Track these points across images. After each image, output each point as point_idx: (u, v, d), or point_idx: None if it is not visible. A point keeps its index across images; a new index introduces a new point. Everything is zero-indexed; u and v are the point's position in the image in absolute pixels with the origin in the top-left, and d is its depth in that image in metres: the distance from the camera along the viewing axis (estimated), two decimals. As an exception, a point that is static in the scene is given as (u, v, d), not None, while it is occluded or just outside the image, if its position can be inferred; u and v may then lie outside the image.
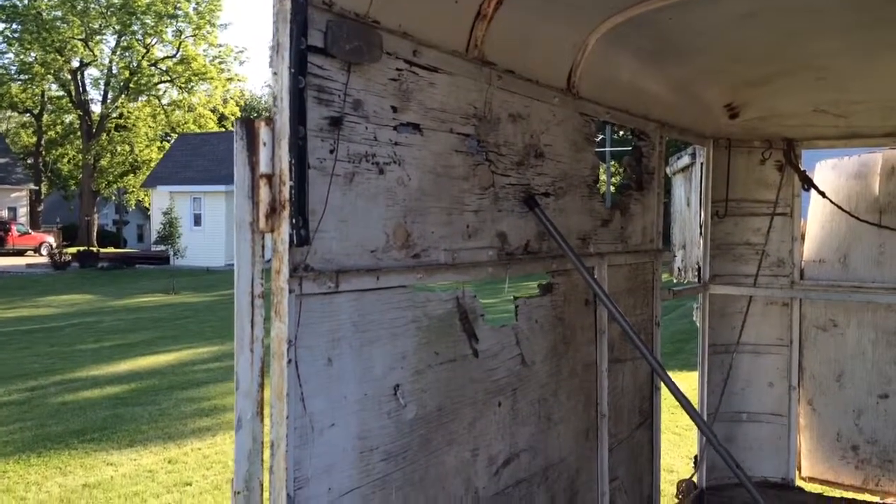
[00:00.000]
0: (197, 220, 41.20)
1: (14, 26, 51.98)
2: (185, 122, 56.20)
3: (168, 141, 56.08)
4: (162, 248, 39.43)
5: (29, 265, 38.74)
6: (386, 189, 2.49)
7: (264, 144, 2.06)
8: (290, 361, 2.06)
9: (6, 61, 54.26)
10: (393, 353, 2.49)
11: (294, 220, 2.06)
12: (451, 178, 2.82)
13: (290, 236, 2.06)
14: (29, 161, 58.92)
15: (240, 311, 2.02)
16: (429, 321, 2.67)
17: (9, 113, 60.01)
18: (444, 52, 2.75)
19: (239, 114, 60.10)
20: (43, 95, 56.78)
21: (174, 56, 55.31)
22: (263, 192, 2.05)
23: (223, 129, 55.94)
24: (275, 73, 2.10)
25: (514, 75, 3.17)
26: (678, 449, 7.97)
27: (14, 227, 44.36)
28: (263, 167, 2.05)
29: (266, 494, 2.04)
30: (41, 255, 44.19)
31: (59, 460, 8.04)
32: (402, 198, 2.56)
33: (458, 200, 2.86)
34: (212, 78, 55.76)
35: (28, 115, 59.42)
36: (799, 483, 5.71)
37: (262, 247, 2.07)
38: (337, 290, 2.26)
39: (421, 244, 2.65)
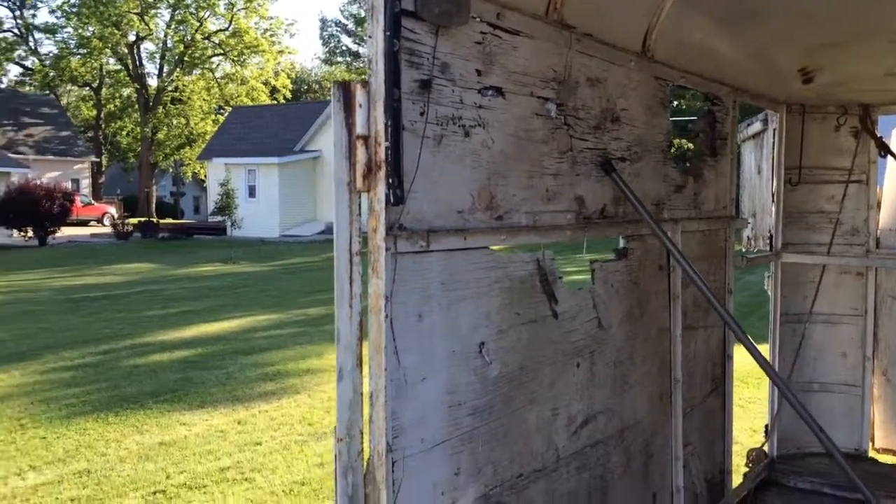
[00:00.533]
0: (251, 192, 42.00)
1: (72, 0, 53.28)
2: (239, 95, 57.05)
3: (222, 114, 57.02)
4: (219, 219, 40.32)
5: (93, 235, 40.12)
6: (471, 151, 2.53)
7: (360, 106, 2.12)
8: (386, 317, 2.14)
9: (65, 35, 55.83)
10: (478, 311, 2.55)
11: (390, 180, 2.13)
12: (532, 142, 2.84)
13: (387, 195, 2.13)
14: (89, 134, 60.65)
15: (339, 268, 2.09)
16: (511, 282, 2.72)
17: (69, 87, 61.68)
18: (525, 16, 2.76)
19: (290, 86, 60.75)
20: (101, 69, 58.20)
21: (226, 29, 56.00)
22: (360, 153, 2.12)
23: (275, 102, 56.63)
24: (369, 37, 2.15)
25: (591, 38, 3.15)
26: (741, 421, 7.86)
27: (78, 198, 45.78)
28: (360, 128, 2.12)
29: (366, 444, 2.13)
30: (104, 225, 45.70)
31: (136, 419, 8.42)
32: (486, 160, 2.60)
33: (538, 164, 2.88)
34: (263, 51, 56.38)
35: (87, 88, 61.02)
36: (872, 454, 5.63)
37: (359, 206, 2.14)
38: (428, 250, 2.31)
39: (504, 206, 2.69)
